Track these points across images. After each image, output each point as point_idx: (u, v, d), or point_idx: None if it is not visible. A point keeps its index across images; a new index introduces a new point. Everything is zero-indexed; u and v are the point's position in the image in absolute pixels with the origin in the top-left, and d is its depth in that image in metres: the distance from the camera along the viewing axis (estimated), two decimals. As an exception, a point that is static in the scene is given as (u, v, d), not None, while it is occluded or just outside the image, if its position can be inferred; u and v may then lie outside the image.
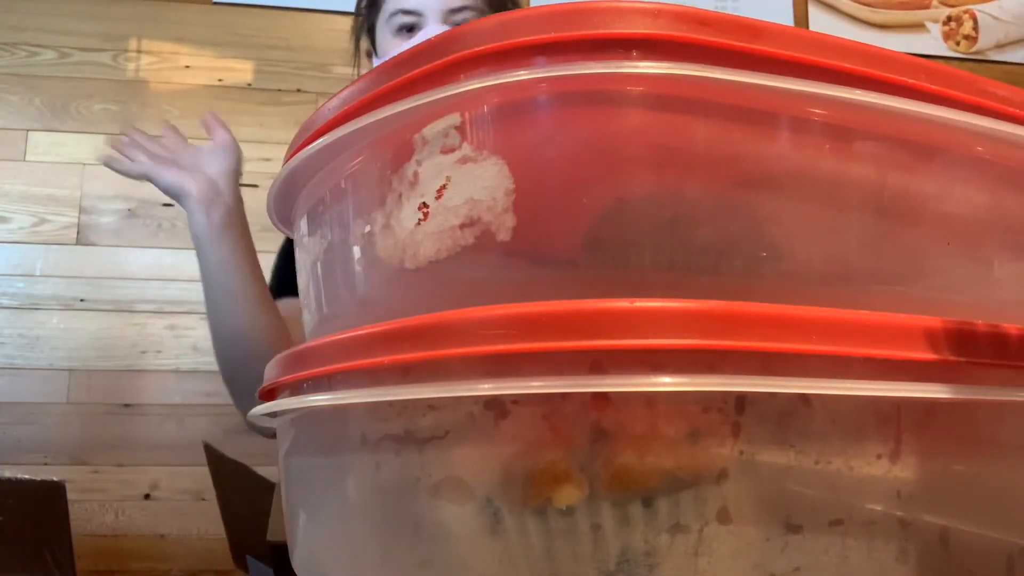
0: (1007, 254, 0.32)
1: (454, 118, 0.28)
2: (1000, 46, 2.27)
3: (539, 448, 0.26)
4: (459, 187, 0.28)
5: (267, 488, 1.33)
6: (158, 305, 1.83)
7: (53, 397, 1.77)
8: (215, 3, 1.97)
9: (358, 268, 0.33)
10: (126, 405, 1.78)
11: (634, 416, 0.25)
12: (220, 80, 1.95)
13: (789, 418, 0.26)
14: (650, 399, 0.25)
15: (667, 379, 0.24)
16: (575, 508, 0.26)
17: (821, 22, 2.22)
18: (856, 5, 2.23)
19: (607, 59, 0.26)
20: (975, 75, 0.33)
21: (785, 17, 2.20)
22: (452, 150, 0.28)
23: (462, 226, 0.28)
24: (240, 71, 1.96)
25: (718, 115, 0.27)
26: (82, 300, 1.81)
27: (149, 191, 1.88)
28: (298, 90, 1.96)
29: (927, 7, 2.26)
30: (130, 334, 1.81)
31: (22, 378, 1.77)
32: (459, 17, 0.94)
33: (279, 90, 1.96)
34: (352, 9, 2.10)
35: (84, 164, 1.87)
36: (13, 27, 1.90)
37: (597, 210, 0.28)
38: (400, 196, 0.30)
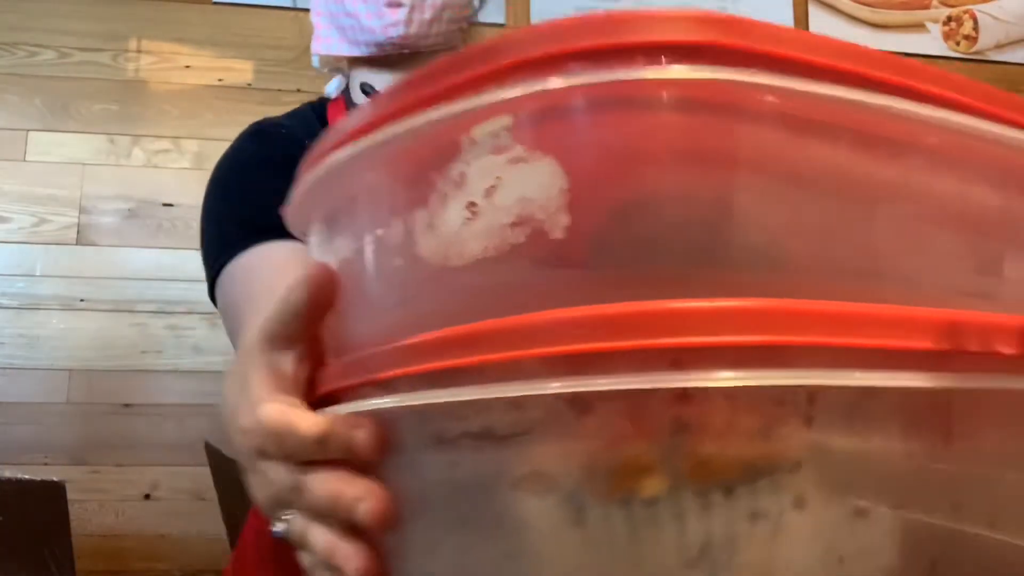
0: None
1: (506, 120, 0.29)
2: (1000, 46, 2.27)
3: (622, 442, 0.28)
4: (511, 186, 0.29)
5: (267, 488, 1.33)
6: (158, 305, 1.83)
7: (53, 397, 1.77)
8: (215, 3, 1.97)
9: (397, 267, 0.33)
10: (126, 405, 1.78)
11: (713, 410, 0.27)
12: (220, 80, 1.95)
13: (855, 408, 0.28)
14: (728, 394, 0.27)
15: (742, 374, 0.26)
16: (658, 499, 0.27)
17: (821, 22, 2.22)
18: (856, 5, 2.23)
19: (646, 65, 0.27)
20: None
21: (785, 17, 2.20)
22: (503, 151, 0.29)
23: (513, 224, 0.29)
24: (240, 71, 1.96)
25: (758, 119, 0.28)
26: (82, 300, 1.81)
27: (149, 191, 1.88)
28: (298, 90, 1.96)
29: (927, 7, 2.26)
30: (130, 334, 1.81)
31: (22, 378, 1.77)
32: None
33: (279, 90, 1.96)
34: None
35: (84, 164, 1.87)
36: (13, 27, 1.90)
37: (648, 210, 0.29)
38: (446, 196, 0.30)
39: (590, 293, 0.27)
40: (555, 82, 0.27)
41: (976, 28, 2.26)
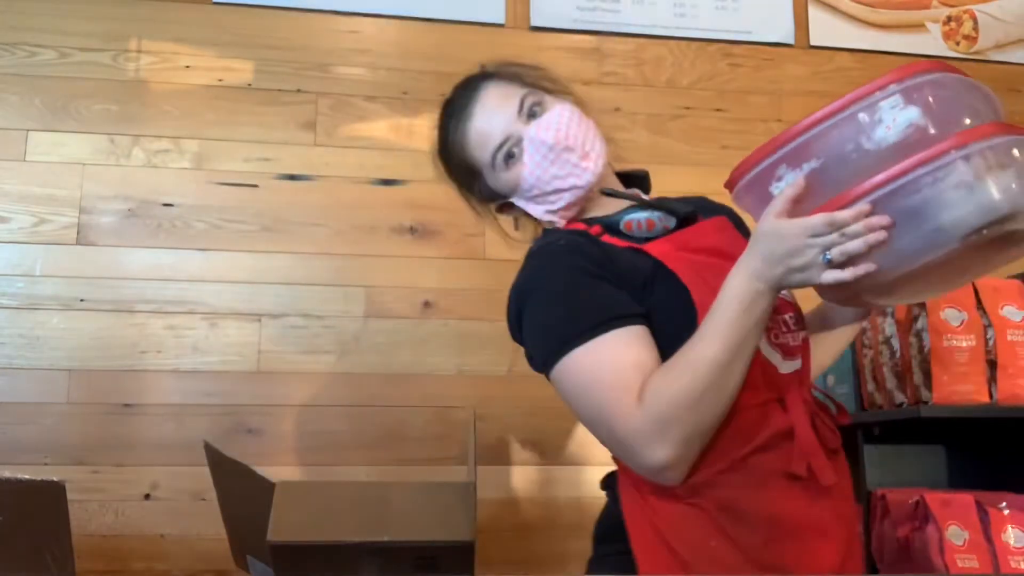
0: None
1: (899, 97, 0.82)
2: (1000, 46, 2.27)
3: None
4: (903, 116, 0.81)
5: (267, 488, 1.33)
6: (158, 305, 1.83)
7: (53, 397, 1.77)
8: (215, 3, 1.97)
9: (853, 158, 0.83)
10: (126, 405, 1.78)
11: None
12: (220, 80, 1.95)
13: None
14: None
15: None
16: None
17: (821, 22, 2.22)
18: (856, 5, 2.23)
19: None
20: None
21: (785, 17, 2.20)
22: (896, 107, 0.82)
23: (907, 128, 0.81)
24: (240, 71, 1.96)
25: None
26: (82, 300, 1.81)
27: (149, 191, 1.88)
28: (298, 90, 1.97)
29: (927, 7, 2.26)
30: (130, 334, 1.81)
31: (22, 378, 1.77)
32: (530, 106, 1.01)
33: (279, 90, 1.96)
34: (352, 10, 2.10)
35: (84, 164, 1.87)
36: (13, 27, 1.91)
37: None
38: (874, 126, 0.82)
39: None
40: (912, 81, 0.83)
41: (976, 28, 2.26)
